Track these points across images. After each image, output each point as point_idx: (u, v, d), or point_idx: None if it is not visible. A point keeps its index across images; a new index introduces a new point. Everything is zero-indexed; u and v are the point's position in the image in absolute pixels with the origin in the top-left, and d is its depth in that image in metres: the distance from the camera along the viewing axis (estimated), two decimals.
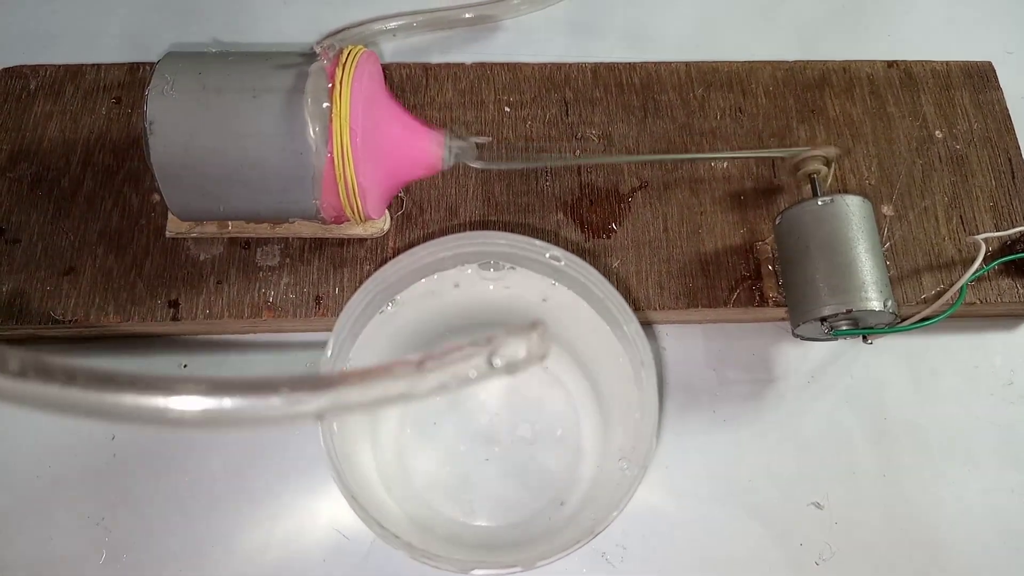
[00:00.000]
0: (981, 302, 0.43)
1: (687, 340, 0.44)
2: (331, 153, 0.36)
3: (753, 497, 0.41)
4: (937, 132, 0.48)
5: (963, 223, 0.45)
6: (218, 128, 0.36)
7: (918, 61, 0.50)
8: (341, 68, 0.36)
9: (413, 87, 0.47)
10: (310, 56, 0.37)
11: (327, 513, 0.40)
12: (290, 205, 0.37)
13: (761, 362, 0.44)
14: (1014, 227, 0.45)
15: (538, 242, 0.35)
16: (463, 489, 0.33)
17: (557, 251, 0.35)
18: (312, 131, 0.35)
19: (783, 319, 0.44)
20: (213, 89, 0.36)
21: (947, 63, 0.50)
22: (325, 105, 0.36)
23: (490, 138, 0.44)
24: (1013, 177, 0.47)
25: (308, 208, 0.37)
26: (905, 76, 0.49)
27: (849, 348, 0.44)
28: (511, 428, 0.34)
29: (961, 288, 0.40)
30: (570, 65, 0.48)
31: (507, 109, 0.47)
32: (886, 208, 0.45)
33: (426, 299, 0.37)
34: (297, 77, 0.36)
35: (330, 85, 0.36)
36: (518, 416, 0.34)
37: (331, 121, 0.35)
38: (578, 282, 0.35)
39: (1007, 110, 0.48)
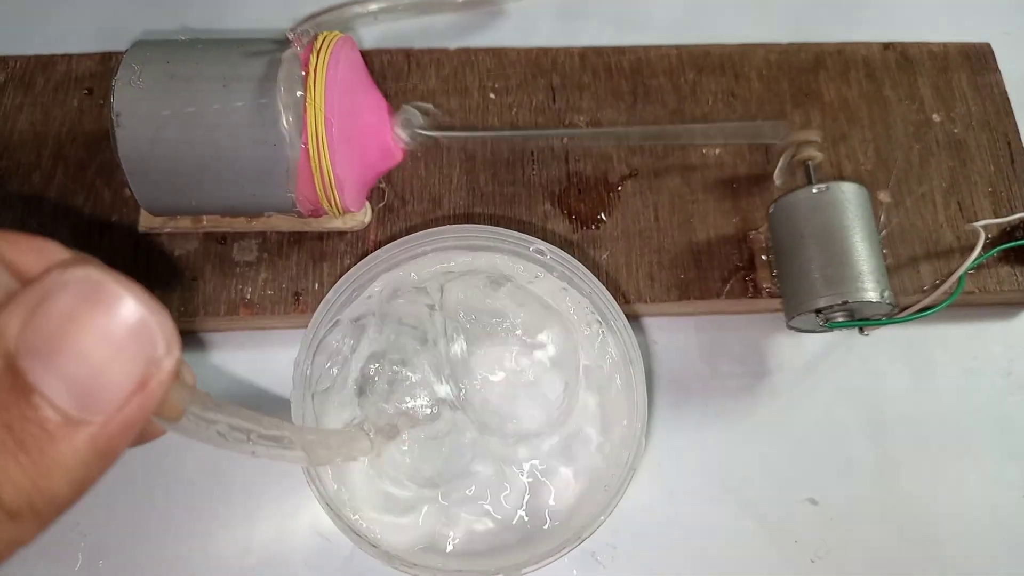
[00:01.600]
0: (980, 291, 0.42)
1: (679, 333, 0.43)
2: (306, 144, 0.34)
3: (746, 493, 0.40)
4: (935, 116, 0.46)
5: (961, 210, 0.44)
6: (187, 119, 0.35)
7: (915, 43, 0.48)
8: (315, 55, 0.35)
9: (395, 74, 0.46)
10: (283, 43, 0.35)
11: (308, 516, 0.39)
12: (264, 198, 0.36)
13: (755, 355, 0.43)
14: (1013, 213, 0.43)
15: (522, 236, 0.33)
16: (444, 492, 0.32)
17: (542, 244, 0.34)
18: (285, 121, 0.34)
19: (777, 310, 0.43)
20: (182, 78, 0.35)
21: (944, 45, 0.48)
22: (299, 94, 0.34)
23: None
24: (1012, 162, 0.45)
25: (283, 201, 0.36)
26: (902, 58, 0.48)
27: (844, 340, 0.43)
28: (495, 428, 0.32)
29: (960, 277, 0.38)
30: (557, 50, 0.47)
31: (492, 96, 0.45)
32: (883, 195, 0.44)
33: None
34: (269, 65, 0.35)
35: (304, 73, 0.34)
36: (502, 416, 0.32)
37: (305, 111, 0.34)
38: (564, 275, 0.34)
39: (1006, 93, 0.47)
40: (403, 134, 0.38)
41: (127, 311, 0.16)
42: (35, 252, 0.18)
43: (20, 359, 0.15)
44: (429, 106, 0.40)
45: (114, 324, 0.16)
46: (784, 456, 0.41)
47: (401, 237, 0.37)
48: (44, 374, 0.15)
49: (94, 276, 0.16)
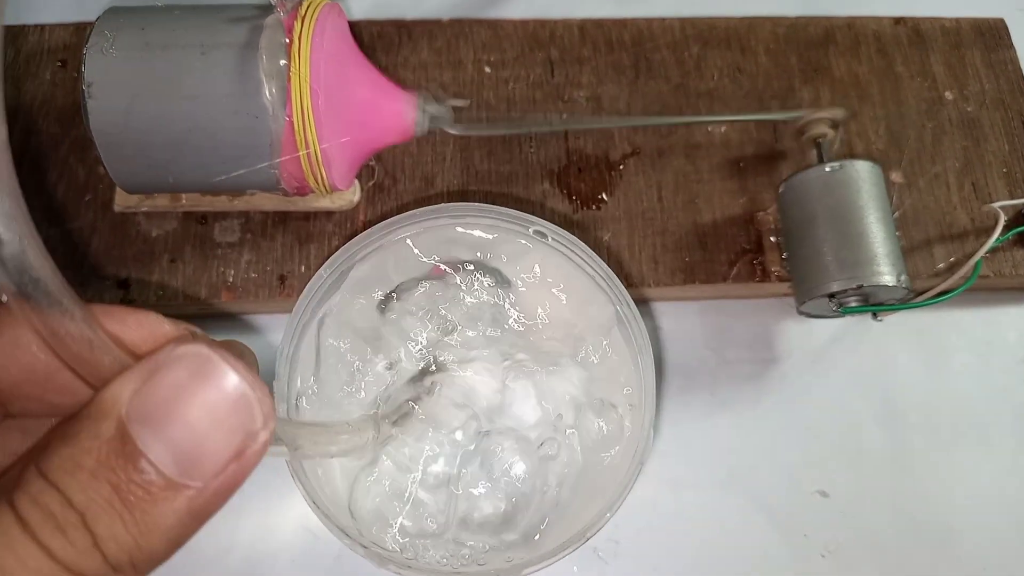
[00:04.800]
0: (995, 275, 0.41)
1: (683, 318, 0.41)
2: (290, 116, 0.32)
3: (754, 486, 0.38)
4: (947, 93, 0.45)
5: (975, 190, 0.42)
6: (163, 90, 0.32)
7: (927, 17, 0.46)
8: (300, 21, 0.32)
9: (385, 46, 0.43)
10: (266, 9, 0.33)
11: (296, 510, 0.37)
12: (246, 175, 0.34)
13: (762, 341, 0.41)
14: None
15: (522, 215, 0.31)
16: (442, 488, 0.30)
17: (543, 224, 0.32)
18: (268, 92, 0.32)
19: (786, 294, 0.41)
20: (158, 46, 0.33)
21: (957, 20, 0.46)
22: (282, 63, 0.32)
23: (468, 101, 0.41)
24: None
25: (267, 178, 0.34)
26: (913, 33, 0.46)
27: (856, 325, 0.41)
28: (496, 419, 0.31)
29: (977, 261, 0.37)
30: (555, 21, 0.45)
31: (487, 69, 0.43)
32: (895, 175, 0.42)
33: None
34: (251, 32, 0.32)
35: (287, 40, 0.32)
36: (502, 407, 0.31)
37: (289, 80, 0.32)
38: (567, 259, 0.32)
39: (1020, 70, 0.45)
40: (417, 116, 0.36)
41: (231, 386, 0.17)
42: (141, 326, 0.19)
43: (131, 425, 0.16)
44: (464, 102, 0.38)
45: (218, 398, 0.17)
46: (793, 446, 0.39)
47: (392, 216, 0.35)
48: (151, 440, 0.16)
49: (203, 352, 0.17)
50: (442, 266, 0.33)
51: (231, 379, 0.17)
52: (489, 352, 0.31)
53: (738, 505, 0.38)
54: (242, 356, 0.26)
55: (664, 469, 0.38)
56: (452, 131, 0.37)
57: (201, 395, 0.17)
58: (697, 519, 0.38)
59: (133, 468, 0.16)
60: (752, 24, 0.45)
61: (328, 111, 0.33)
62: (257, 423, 0.18)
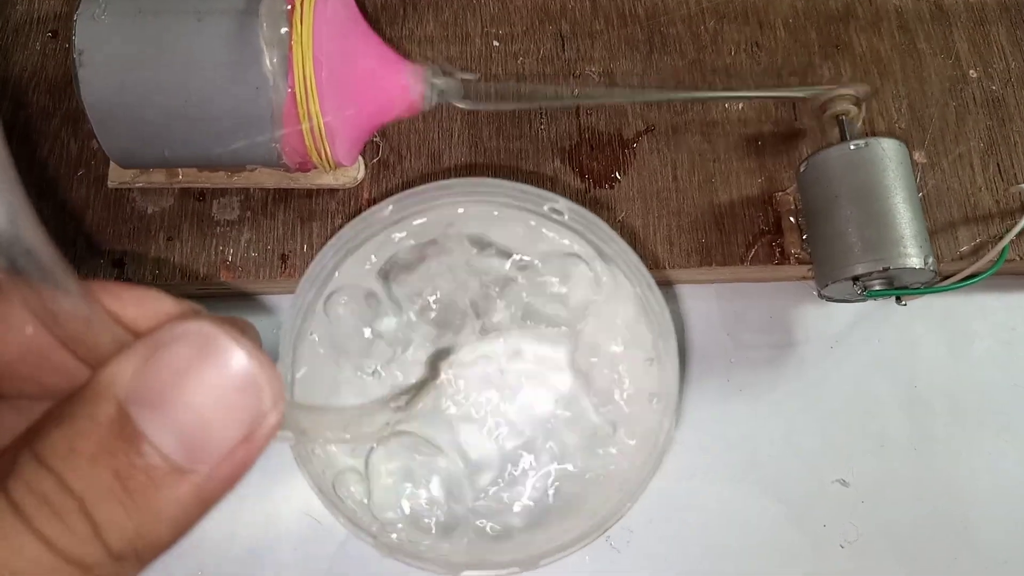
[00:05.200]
0: (1021, 258, 0.39)
1: (699, 301, 0.40)
2: (292, 87, 0.31)
3: (772, 474, 0.37)
4: (971, 71, 0.43)
5: (1000, 172, 0.41)
6: (158, 58, 0.31)
7: None
8: None
9: (389, 18, 0.42)
10: None
11: (299, 496, 0.36)
12: (246, 150, 0.32)
13: (780, 325, 0.40)
14: None
15: (537, 190, 0.30)
16: (453, 476, 0.29)
17: (561, 202, 0.30)
18: (269, 61, 0.30)
19: (804, 277, 0.40)
20: (151, 12, 0.31)
21: None
22: (284, 30, 0.30)
23: (478, 74, 0.39)
24: None
25: (267, 153, 0.32)
26: (936, 9, 0.44)
27: (877, 309, 0.40)
28: (509, 408, 0.29)
29: (1004, 245, 0.35)
30: None
31: (496, 44, 0.42)
32: (918, 155, 0.41)
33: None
34: None
35: (289, 6, 0.31)
36: (516, 394, 0.29)
37: (291, 49, 0.30)
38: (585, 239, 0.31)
39: None
40: (432, 98, 0.34)
41: (237, 365, 0.16)
42: (140, 303, 0.18)
43: (131, 407, 0.15)
44: (474, 76, 0.36)
45: (224, 378, 0.16)
46: (812, 434, 0.38)
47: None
48: (153, 423, 0.15)
49: (207, 330, 0.16)
50: None
51: (238, 358, 0.16)
52: (511, 331, 0.30)
53: (755, 494, 0.37)
54: (244, 332, 0.25)
55: (679, 457, 0.37)
56: (461, 105, 0.36)
57: (206, 375, 0.16)
58: (712, 509, 0.36)
59: (134, 452, 0.15)
60: None
61: (332, 82, 0.31)
62: (266, 404, 0.17)
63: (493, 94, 0.39)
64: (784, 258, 0.38)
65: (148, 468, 0.15)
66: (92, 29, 0.31)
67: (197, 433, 0.16)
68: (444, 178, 0.38)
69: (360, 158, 0.38)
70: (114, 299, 0.18)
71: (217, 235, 0.37)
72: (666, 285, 0.40)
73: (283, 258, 0.37)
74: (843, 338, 0.39)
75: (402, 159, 0.39)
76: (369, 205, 0.38)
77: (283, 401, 0.17)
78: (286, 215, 0.37)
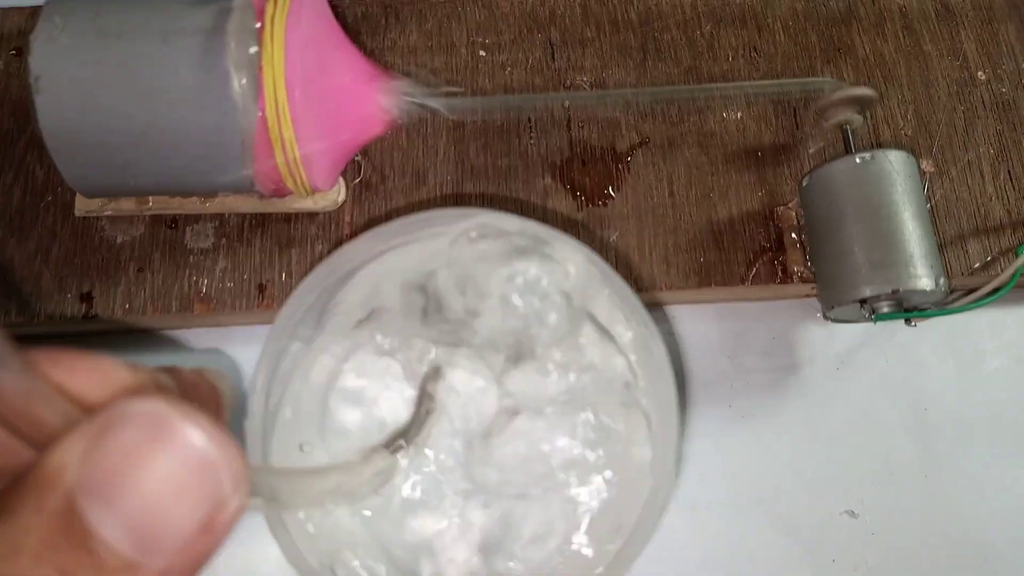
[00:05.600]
0: None
1: (698, 323, 0.38)
2: (263, 111, 0.29)
3: (777, 505, 0.35)
4: (980, 73, 0.41)
5: (1012, 179, 0.39)
6: (120, 82, 0.29)
7: None
8: (273, 2, 0.29)
9: (370, 29, 0.40)
10: None
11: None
12: (216, 177, 0.30)
13: (783, 346, 0.38)
14: None
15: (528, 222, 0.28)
16: (452, 523, 0.27)
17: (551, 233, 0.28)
18: (237, 84, 0.28)
19: (808, 295, 0.38)
20: (113, 33, 0.29)
21: None
22: (253, 50, 0.28)
23: (462, 88, 0.37)
24: None
25: (239, 180, 0.30)
26: (942, 8, 0.42)
27: (883, 327, 0.38)
28: (507, 451, 0.28)
29: (1018, 267, 0.34)
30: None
31: (482, 53, 0.40)
32: (925, 163, 0.39)
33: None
34: (217, 15, 0.29)
35: (259, 25, 0.29)
36: (514, 436, 0.28)
37: (261, 70, 0.28)
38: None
39: None
40: (392, 102, 0.32)
41: (192, 448, 0.15)
42: (93, 374, 0.17)
43: (79, 497, 0.14)
44: (420, 69, 0.35)
45: (178, 463, 0.15)
46: (818, 462, 0.36)
47: (380, 218, 0.32)
48: (103, 515, 0.14)
49: (158, 409, 0.15)
50: None
51: (193, 440, 0.15)
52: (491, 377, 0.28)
53: (760, 528, 0.35)
54: (216, 384, 0.23)
55: (679, 489, 0.35)
56: (440, 107, 0.34)
57: (158, 460, 0.15)
58: (715, 543, 0.35)
59: (83, 549, 0.14)
60: None
61: (307, 104, 0.29)
62: (226, 489, 0.15)
63: (478, 108, 0.37)
64: (787, 276, 0.37)
65: (99, 565, 0.14)
66: (50, 52, 0.29)
67: (150, 524, 0.15)
68: (429, 199, 0.37)
69: (341, 179, 0.36)
70: (65, 370, 0.17)
71: (191, 265, 0.35)
72: (664, 306, 0.38)
73: (260, 288, 0.35)
74: (849, 359, 0.38)
75: (385, 179, 0.37)
76: (351, 227, 0.36)
77: (246, 483, 0.16)
78: (263, 242, 0.35)
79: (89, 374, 0.17)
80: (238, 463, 0.15)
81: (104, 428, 0.15)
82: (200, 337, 0.36)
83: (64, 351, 0.17)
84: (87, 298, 0.34)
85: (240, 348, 0.36)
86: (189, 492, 0.15)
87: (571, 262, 0.28)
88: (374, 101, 0.33)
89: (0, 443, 0.17)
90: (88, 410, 0.15)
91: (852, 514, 0.35)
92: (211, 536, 0.15)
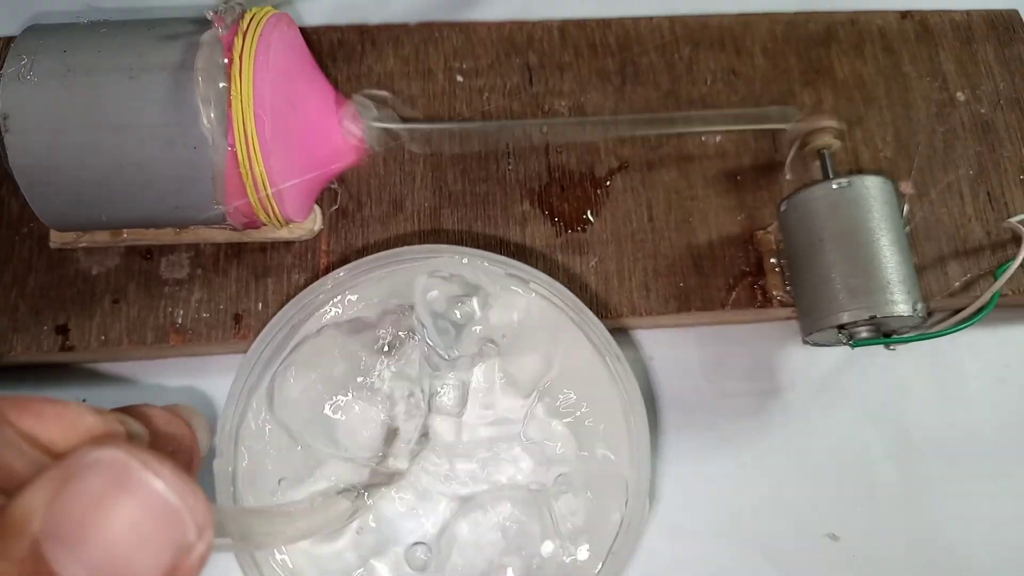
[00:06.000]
0: (1013, 292, 0.37)
1: (678, 347, 0.38)
2: (233, 146, 0.28)
3: (759, 530, 0.35)
4: (959, 94, 0.41)
5: (991, 200, 0.39)
6: (89, 120, 0.29)
7: (935, 11, 0.43)
8: (241, 36, 0.29)
9: (346, 55, 0.40)
10: (203, 23, 0.29)
11: None
12: (188, 212, 0.30)
13: (764, 370, 0.38)
14: None
15: (496, 257, 0.28)
16: (428, 546, 0.27)
17: (520, 269, 0.28)
18: (206, 119, 0.28)
19: (788, 318, 0.38)
20: (82, 70, 0.29)
21: (968, 13, 0.43)
22: (222, 85, 0.28)
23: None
24: None
25: (211, 214, 0.30)
26: (921, 29, 0.43)
27: (864, 350, 0.38)
28: (480, 477, 0.27)
29: (995, 292, 0.33)
30: (533, 24, 0.41)
31: (460, 78, 0.40)
32: (904, 185, 0.39)
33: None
34: (185, 51, 0.29)
35: (227, 60, 0.28)
36: (486, 462, 0.27)
37: (230, 105, 0.28)
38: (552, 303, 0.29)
39: None
40: (354, 128, 0.32)
41: (155, 496, 0.15)
42: (60, 420, 0.17)
43: (44, 543, 0.15)
44: (386, 94, 0.35)
45: (141, 511, 0.15)
46: (800, 485, 0.36)
47: (357, 245, 0.32)
48: (68, 561, 0.14)
49: (120, 459, 0.15)
50: None
51: (155, 487, 0.15)
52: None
53: (742, 552, 0.35)
54: (189, 420, 0.23)
55: (660, 513, 0.35)
56: (387, 126, 0.34)
57: (121, 508, 0.15)
58: (698, 568, 0.35)
59: None
60: (748, 22, 0.42)
61: (276, 138, 0.29)
62: (190, 535, 0.16)
63: (420, 116, 0.36)
64: (767, 300, 0.36)
65: None
66: (19, 90, 0.29)
67: (115, 570, 0.15)
68: (406, 228, 0.36)
69: (317, 208, 0.36)
70: (33, 417, 0.17)
71: (166, 295, 0.35)
72: (643, 330, 0.38)
73: (236, 318, 0.35)
74: (830, 383, 0.38)
75: (362, 206, 0.37)
76: (328, 256, 0.36)
77: (211, 528, 0.16)
78: (239, 271, 0.35)
79: (57, 421, 0.17)
80: (201, 509, 0.16)
81: (68, 475, 0.15)
82: (176, 367, 0.36)
83: (32, 399, 0.17)
84: (63, 330, 0.34)
85: (217, 378, 0.36)
86: (152, 539, 0.15)
87: (515, 308, 0.28)
88: (344, 131, 0.33)
89: None
90: (56, 457, 0.16)
91: (834, 537, 0.35)
92: None
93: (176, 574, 0.15)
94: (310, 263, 0.36)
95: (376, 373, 0.29)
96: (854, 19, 0.42)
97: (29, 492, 0.15)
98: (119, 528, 0.15)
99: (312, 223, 0.35)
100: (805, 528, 0.35)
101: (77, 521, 0.15)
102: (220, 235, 0.35)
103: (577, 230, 0.37)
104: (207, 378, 0.36)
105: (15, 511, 0.15)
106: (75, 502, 0.15)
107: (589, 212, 0.38)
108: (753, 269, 0.37)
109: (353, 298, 0.31)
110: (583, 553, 0.28)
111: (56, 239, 0.35)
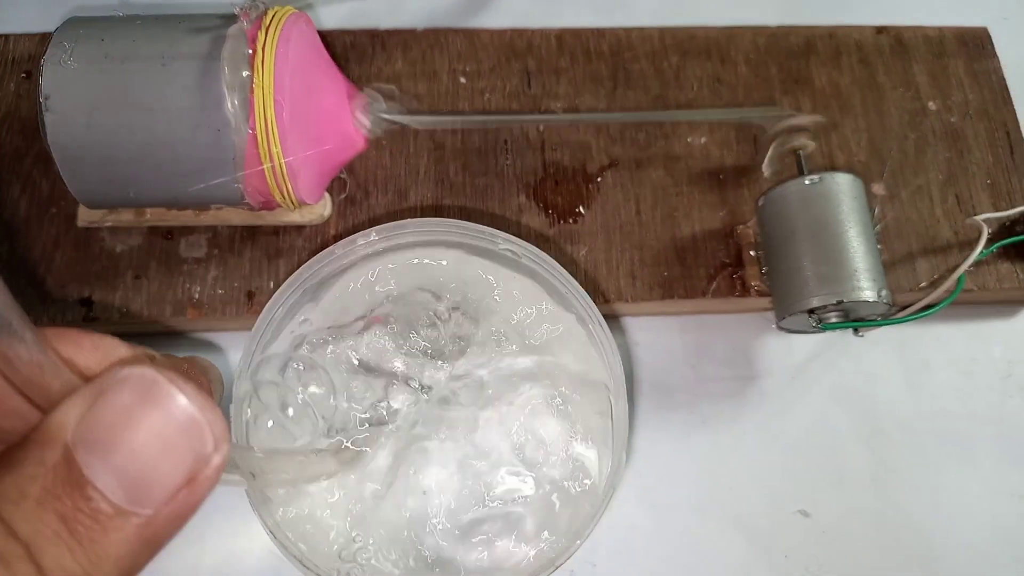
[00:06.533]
0: (979, 288, 0.40)
1: (662, 334, 0.40)
2: (253, 129, 0.31)
3: (734, 505, 0.37)
4: (930, 104, 0.44)
5: (959, 203, 0.42)
6: (123, 102, 0.31)
7: (909, 27, 0.46)
8: (264, 31, 0.32)
9: (358, 56, 0.42)
10: (230, 18, 0.32)
11: (262, 533, 0.36)
12: (210, 190, 0.33)
13: (742, 357, 0.40)
14: (1014, 207, 0.41)
15: (490, 230, 0.31)
16: (405, 516, 0.29)
17: (513, 242, 0.31)
18: (230, 104, 0.31)
19: (766, 309, 0.40)
20: (118, 58, 0.32)
21: (940, 29, 0.46)
22: (245, 74, 0.31)
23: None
24: (1012, 152, 0.43)
25: (231, 193, 0.33)
26: (896, 43, 0.45)
27: (837, 340, 0.40)
28: (463, 445, 0.30)
29: (960, 276, 0.36)
30: (532, 31, 0.44)
31: (463, 80, 0.42)
32: (877, 187, 0.42)
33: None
34: (213, 42, 0.31)
35: (251, 51, 0.31)
36: (470, 431, 0.30)
37: (252, 92, 0.31)
38: (538, 275, 0.31)
39: (1004, 80, 0.45)
40: (364, 119, 0.35)
41: (179, 410, 0.17)
42: (96, 349, 0.19)
43: (77, 451, 0.16)
44: (393, 88, 0.37)
45: (166, 422, 0.17)
46: (774, 465, 0.38)
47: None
48: (98, 467, 0.16)
49: (149, 375, 0.17)
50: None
51: (179, 401, 0.17)
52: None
53: (718, 526, 0.37)
54: (205, 372, 0.26)
55: (642, 489, 0.37)
56: (394, 118, 0.36)
57: (148, 419, 0.16)
58: (676, 540, 0.37)
59: (80, 496, 0.16)
60: (732, 34, 0.44)
61: (293, 124, 0.32)
62: (208, 447, 0.17)
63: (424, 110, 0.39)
64: (745, 290, 0.39)
65: (93, 511, 0.16)
66: (59, 74, 0.32)
67: (140, 476, 0.16)
68: (410, 213, 0.39)
69: (327, 195, 0.38)
70: (72, 345, 0.18)
71: (184, 273, 0.37)
72: (628, 317, 0.41)
73: (249, 295, 0.37)
74: (803, 370, 0.40)
75: (368, 195, 0.39)
76: (336, 240, 0.38)
77: (227, 443, 0.18)
78: (253, 252, 0.38)
79: (93, 350, 0.19)
80: (219, 425, 0.17)
81: (101, 391, 0.17)
82: (192, 340, 0.39)
83: (71, 329, 0.19)
84: (87, 303, 0.37)
85: (230, 352, 0.38)
86: (175, 448, 0.17)
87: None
88: (355, 120, 0.35)
89: (16, 408, 0.19)
90: (88, 379, 0.17)
91: (804, 514, 0.37)
92: (195, 489, 0.17)
93: (194, 482, 0.17)
94: (319, 246, 0.38)
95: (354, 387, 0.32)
96: (832, 33, 0.45)
97: (64, 407, 0.16)
98: (146, 437, 0.16)
99: (323, 208, 0.38)
100: (778, 505, 0.37)
101: (107, 430, 0.16)
102: (236, 218, 0.37)
103: (569, 222, 0.40)
104: (220, 352, 0.38)
105: (51, 423, 0.16)
106: (106, 414, 0.16)
107: (581, 205, 0.40)
108: (733, 261, 0.39)
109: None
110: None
111: (83, 218, 0.37)
